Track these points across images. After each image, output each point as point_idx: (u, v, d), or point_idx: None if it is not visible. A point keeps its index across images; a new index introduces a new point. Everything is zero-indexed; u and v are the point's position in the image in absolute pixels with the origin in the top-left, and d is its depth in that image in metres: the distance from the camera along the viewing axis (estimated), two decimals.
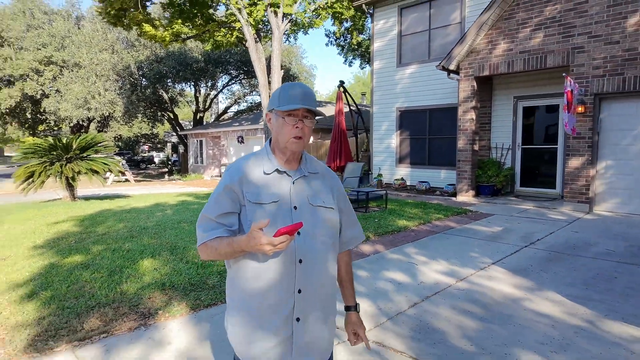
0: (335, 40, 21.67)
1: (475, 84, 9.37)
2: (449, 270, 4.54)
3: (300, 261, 1.40)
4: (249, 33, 13.29)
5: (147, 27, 14.92)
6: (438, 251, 5.31)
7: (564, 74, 7.47)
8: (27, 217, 7.99)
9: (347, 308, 1.65)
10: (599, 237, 5.86)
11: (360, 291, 3.93)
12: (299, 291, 1.41)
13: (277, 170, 1.47)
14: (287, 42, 21.78)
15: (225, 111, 35.41)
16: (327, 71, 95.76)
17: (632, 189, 7.59)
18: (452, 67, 9.47)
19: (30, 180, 10.24)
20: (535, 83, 9.32)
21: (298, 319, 1.42)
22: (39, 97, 24.99)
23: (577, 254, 5.05)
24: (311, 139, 14.54)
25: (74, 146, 10.68)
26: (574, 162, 7.97)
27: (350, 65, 25.45)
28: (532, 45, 8.42)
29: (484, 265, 4.69)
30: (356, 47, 21.04)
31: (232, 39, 15.50)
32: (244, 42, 15.01)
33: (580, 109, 7.76)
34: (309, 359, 1.47)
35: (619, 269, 4.47)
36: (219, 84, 32.27)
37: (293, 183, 1.47)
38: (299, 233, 1.41)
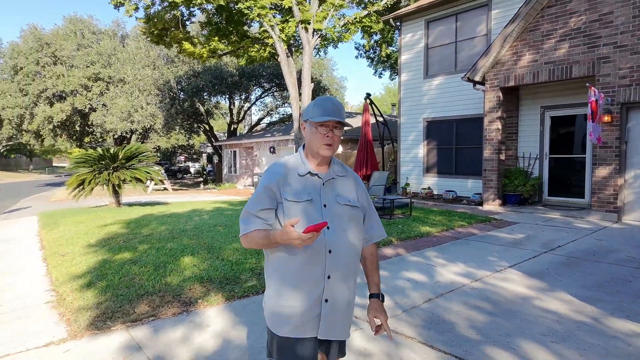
0: (365, 52, 22.14)
1: (500, 94, 9.52)
2: (465, 272, 4.78)
3: (330, 252, 1.64)
4: (281, 48, 13.95)
5: (187, 45, 15.90)
6: (457, 255, 5.55)
7: (587, 84, 7.55)
8: (79, 221, 8.78)
9: (371, 296, 1.79)
10: (622, 245, 5.91)
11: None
12: (328, 277, 1.65)
13: (309, 172, 1.70)
14: (318, 55, 22.43)
15: (258, 122, 36.47)
16: (357, 83, 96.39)
17: None
18: (477, 78, 9.67)
19: (81, 187, 11.15)
20: (562, 93, 9.37)
21: (327, 300, 1.65)
22: (87, 111, 26.78)
23: (596, 260, 5.17)
24: (341, 148, 15.03)
25: (120, 156, 11.55)
26: (602, 171, 7.97)
27: (380, 77, 25.78)
28: (557, 56, 8.53)
29: (500, 268, 4.90)
30: (385, 59, 21.41)
31: (265, 54, 16.25)
32: (276, 57, 15.71)
33: (607, 118, 7.79)
34: (334, 334, 1.70)
35: (636, 274, 4.58)
36: (252, 97, 33.40)
37: (323, 184, 1.71)
38: (328, 228, 1.64)
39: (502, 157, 9.79)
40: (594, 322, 3.35)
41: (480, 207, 9.95)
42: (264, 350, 3.03)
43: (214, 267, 4.93)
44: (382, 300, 1.80)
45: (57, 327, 3.57)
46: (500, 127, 9.60)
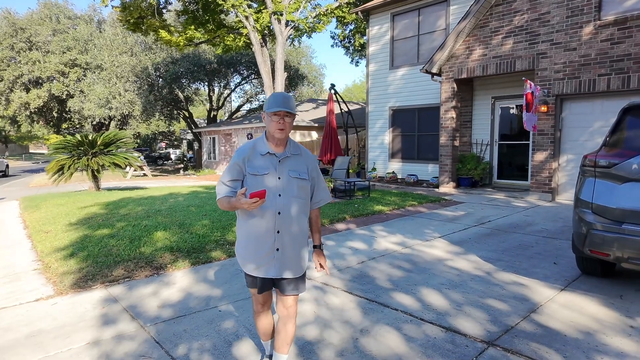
0: (341, 42, 22.71)
1: (455, 85, 10.33)
2: (401, 242, 5.60)
3: (279, 213, 2.18)
4: (255, 38, 14.45)
5: (163, 33, 16.21)
6: (399, 229, 6.37)
7: (523, 78, 8.40)
8: (60, 203, 9.30)
9: (315, 247, 2.43)
10: (543, 220, 6.83)
11: (324, 254, 5.02)
12: (278, 232, 2.19)
13: (268, 152, 2.21)
14: (292, 45, 22.88)
15: (237, 109, 36.78)
16: (336, 70, 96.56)
17: None
18: (434, 70, 10.45)
19: (61, 172, 11.60)
20: (509, 85, 10.23)
21: (277, 249, 2.21)
22: (64, 97, 26.70)
23: (514, 231, 6.05)
24: (315, 135, 15.69)
25: (99, 142, 12.01)
26: (539, 156, 8.89)
27: (356, 66, 26.39)
28: (503, 51, 9.35)
29: (430, 239, 5.73)
30: (360, 48, 22.03)
31: (241, 43, 16.70)
32: (251, 47, 16.18)
33: (543, 108, 8.67)
34: (285, 272, 2.24)
35: (540, 242, 5.46)
36: (232, 84, 33.63)
37: (279, 161, 2.21)
38: (280, 195, 2.17)
39: (457, 143, 10.65)
40: (486, 275, 4.19)
41: (436, 190, 10.83)
42: (218, 299, 3.77)
43: (183, 239, 5.63)
44: (322, 249, 2.43)
45: (45, 287, 4.23)
46: (454, 116, 10.44)
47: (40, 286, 4.27)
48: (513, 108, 10.43)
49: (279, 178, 2.20)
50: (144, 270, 4.60)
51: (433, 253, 5.03)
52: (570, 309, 3.37)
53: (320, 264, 2.41)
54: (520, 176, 10.37)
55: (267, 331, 2.53)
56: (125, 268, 4.64)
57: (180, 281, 4.26)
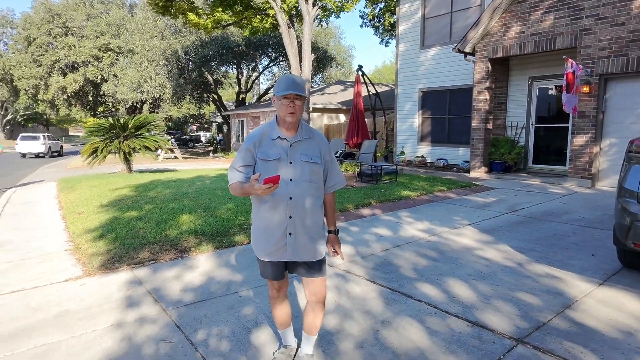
0: (370, 21, 22.09)
1: (489, 65, 9.84)
2: (427, 229, 5.42)
3: (291, 198, 2.13)
4: (282, 19, 14.21)
5: (192, 16, 16.21)
6: (426, 215, 6.18)
7: (564, 56, 7.87)
8: (94, 185, 9.60)
9: (329, 232, 2.35)
10: (581, 208, 6.45)
11: (347, 240, 4.93)
12: (290, 217, 2.16)
13: (279, 137, 2.15)
14: (320, 26, 22.45)
15: (266, 92, 36.77)
16: (366, 51, 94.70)
17: None
18: (467, 49, 9.97)
19: (95, 155, 11.96)
20: (548, 64, 9.64)
21: (290, 234, 2.18)
22: (98, 81, 27.46)
23: (549, 220, 5.74)
24: (343, 119, 15.57)
25: (130, 125, 12.27)
26: (579, 140, 8.39)
27: (386, 46, 25.74)
28: (542, 28, 8.78)
29: (459, 226, 5.52)
30: (389, 28, 21.37)
31: (268, 24, 16.50)
32: (278, 28, 15.97)
33: (585, 89, 8.13)
34: (299, 257, 2.21)
35: (577, 231, 5.16)
36: (260, 66, 33.56)
37: (290, 145, 2.15)
38: (291, 180, 2.11)
39: (490, 126, 10.21)
40: (517, 266, 3.98)
41: (467, 174, 10.47)
42: (239, 285, 3.75)
43: (208, 223, 5.66)
44: (337, 234, 2.35)
45: (75, 268, 4.34)
46: (488, 97, 9.97)
47: (71, 267, 4.39)
48: (552, 89, 9.86)
49: (290, 163, 2.14)
50: (169, 253, 4.65)
51: (461, 241, 4.84)
52: (609, 305, 3.15)
53: (334, 249, 2.34)
54: (558, 161, 9.86)
55: (283, 319, 2.47)
56: (150, 250, 4.70)
57: (203, 265, 4.28)
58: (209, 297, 3.50)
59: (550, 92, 9.92)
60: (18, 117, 47.41)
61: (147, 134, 12.82)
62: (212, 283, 3.80)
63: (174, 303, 3.39)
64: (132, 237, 5.11)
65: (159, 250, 4.72)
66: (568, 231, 5.16)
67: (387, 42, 24.55)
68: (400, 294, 3.42)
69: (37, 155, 25.13)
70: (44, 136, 25.68)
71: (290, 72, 14.48)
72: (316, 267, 2.27)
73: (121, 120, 12.39)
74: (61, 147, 27.78)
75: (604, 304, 3.17)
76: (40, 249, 5.06)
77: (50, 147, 25.78)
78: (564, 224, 5.49)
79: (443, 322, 2.94)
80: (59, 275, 4.13)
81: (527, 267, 3.96)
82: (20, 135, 25.41)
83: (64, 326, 3.07)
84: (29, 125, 54.74)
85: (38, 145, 24.69)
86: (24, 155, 24.84)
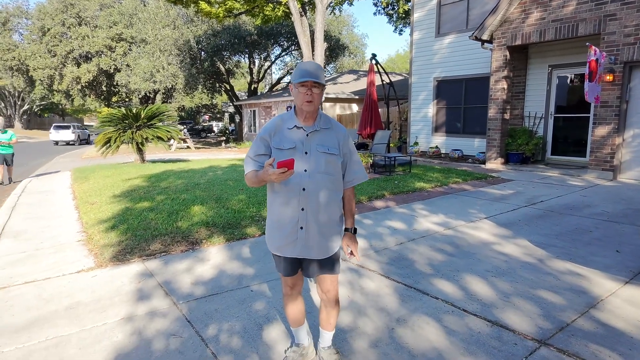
0: (384, 9, 21.67)
1: (507, 53, 9.54)
2: (443, 222, 5.29)
3: (304, 189, 2.04)
4: (294, 7, 14.00)
5: (203, 5, 16.11)
6: (441, 208, 6.03)
7: (587, 43, 7.55)
8: (107, 175, 9.64)
9: (345, 229, 2.20)
10: (602, 201, 6.24)
11: (361, 233, 4.83)
12: (302, 209, 2.06)
13: (295, 126, 2.08)
14: (332, 14, 22.11)
15: (278, 82, 36.58)
16: (379, 40, 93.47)
17: None
18: (485, 37, 9.68)
19: (108, 145, 12.02)
20: (569, 52, 9.31)
21: (302, 228, 2.08)
22: (112, 71, 27.62)
23: (570, 214, 5.55)
24: (356, 108, 15.32)
25: (142, 115, 12.28)
26: (601, 130, 8.11)
27: (400, 34, 25.20)
28: (564, 14, 8.45)
29: (475, 219, 5.37)
30: (404, 15, 20.94)
31: (280, 13, 16.31)
32: (290, 16, 15.76)
33: (609, 77, 7.82)
34: (311, 252, 2.11)
35: (600, 226, 4.97)
36: (272, 56, 33.35)
37: (307, 135, 2.06)
38: (305, 170, 2.02)
39: (507, 116, 9.94)
40: (537, 262, 3.84)
41: (482, 166, 10.24)
42: (250, 278, 3.69)
43: (219, 214, 5.61)
44: (354, 233, 2.19)
45: (87, 259, 4.33)
46: (505, 86, 9.69)
47: (83, 258, 4.38)
48: (573, 77, 9.53)
49: (306, 153, 2.05)
50: (180, 245, 4.62)
51: (478, 235, 4.70)
52: (637, 305, 3.00)
53: (350, 250, 2.19)
54: (577, 152, 9.57)
55: (296, 317, 2.39)
56: (162, 242, 4.67)
57: (214, 257, 4.23)
58: (220, 290, 3.44)
59: (570, 81, 9.59)
60: (34, 107, 48.10)
61: (160, 124, 12.82)
62: (223, 276, 3.74)
63: (185, 297, 3.35)
64: (143, 229, 5.08)
65: (170, 242, 4.69)
66: (590, 226, 4.97)
67: (401, 30, 24.09)
68: (415, 291, 3.31)
69: (67, 143, 28.01)
70: (73, 126, 28.68)
71: (311, 60, 14.30)
72: (328, 264, 2.18)
73: (134, 111, 12.41)
74: (89, 135, 30.73)
75: (631, 304, 3.02)
76: (54, 238, 5.07)
77: (79, 136, 28.63)
78: (586, 218, 5.30)
79: (461, 321, 2.83)
80: (71, 267, 4.12)
81: (547, 264, 3.82)
82: (54, 125, 28.57)
83: (75, 318, 3.05)
84: (45, 115, 55.57)
85: (69, 134, 27.69)
86: (56, 143, 27.77)
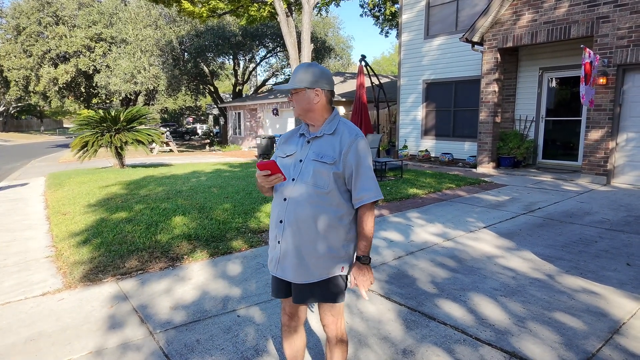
0: (370, 10, 21.47)
1: (498, 55, 9.37)
2: (441, 232, 5.00)
3: (285, 199, 1.84)
4: (280, 7, 13.65)
5: (186, 4, 15.62)
6: (437, 216, 5.76)
7: (582, 46, 7.41)
8: (83, 181, 9.12)
9: (357, 257, 1.86)
10: (602, 208, 6.05)
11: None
12: (281, 221, 1.85)
13: (302, 133, 1.95)
14: (319, 15, 21.83)
15: (263, 83, 36.11)
16: (365, 42, 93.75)
17: None
18: (475, 39, 9.50)
19: (85, 149, 11.45)
20: (561, 54, 9.19)
21: (279, 242, 1.86)
22: (91, 72, 26.74)
23: (571, 222, 5.34)
24: (343, 111, 14.87)
25: (121, 118, 11.75)
26: (594, 134, 7.97)
27: (386, 36, 25.10)
28: (556, 15, 8.31)
29: (474, 229, 5.11)
30: (390, 17, 20.78)
31: (265, 13, 15.93)
32: (276, 17, 15.40)
33: (602, 80, 7.70)
34: (284, 274, 1.85)
35: (604, 235, 4.75)
36: (257, 57, 32.89)
37: (307, 142, 1.90)
38: (293, 180, 1.82)
39: (498, 119, 9.77)
40: (547, 279, 3.57)
41: (474, 170, 10.05)
42: (237, 301, 3.33)
43: (203, 226, 5.22)
44: (363, 263, 1.82)
45: (54, 279, 3.91)
46: (497, 89, 9.53)
47: (50, 277, 3.95)
48: (564, 80, 9.41)
49: (300, 161, 1.87)
50: (159, 261, 4.22)
51: (480, 248, 4.42)
52: None
53: (356, 282, 1.82)
54: (569, 156, 9.45)
55: (293, 356, 2.06)
56: (139, 258, 4.27)
57: (196, 276, 3.85)
58: (203, 316, 3.07)
59: (562, 83, 9.47)
60: (11, 109, 46.56)
61: (140, 127, 12.30)
62: (207, 299, 3.37)
63: (163, 324, 2.97)
64: (119, 243, 4.66)
65: (148, 258, 4.28)
66: (594, 235, 4.75)
67: (388, 32, 23.94)
68: (420, 315, 3.00)
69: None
70: None
71: (297, 63, 13.94)
72: (319, 291, 1.84)
73: (112, 113, 11.87)
74: None
75: None
76: (19, 254, 4.61)
77: None
78: (588, 227, 5.08)
79: (475, 352, 2.52)
80: (35, 288, 3.69)
81: (558, 280, 3.55)
82: None
83: (34, 354, 2.65)
84: (23, 117, 53.87)
85: None
86: None
